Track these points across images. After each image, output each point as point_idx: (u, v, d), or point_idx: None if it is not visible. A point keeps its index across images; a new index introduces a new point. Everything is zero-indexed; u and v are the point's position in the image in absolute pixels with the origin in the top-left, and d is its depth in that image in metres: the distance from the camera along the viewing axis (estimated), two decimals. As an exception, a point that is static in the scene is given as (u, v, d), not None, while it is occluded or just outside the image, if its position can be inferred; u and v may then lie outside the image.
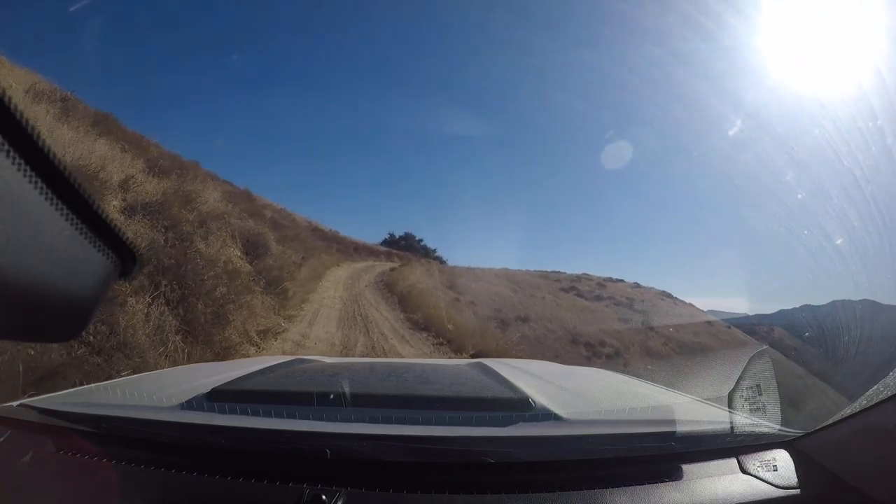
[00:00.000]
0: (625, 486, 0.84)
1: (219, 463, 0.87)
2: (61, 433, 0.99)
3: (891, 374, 0.86)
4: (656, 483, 0.85)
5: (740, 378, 1.10)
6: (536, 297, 18.90)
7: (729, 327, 19.47)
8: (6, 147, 0.44)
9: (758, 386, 1.09)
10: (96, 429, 0.99)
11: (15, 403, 1.07)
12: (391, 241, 40.16)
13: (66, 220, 0.52)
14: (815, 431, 0.95)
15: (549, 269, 25.15)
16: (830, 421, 0.92)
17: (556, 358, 10.09)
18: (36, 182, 0.47)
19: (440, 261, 31.12)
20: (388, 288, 14.96)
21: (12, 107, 0.44)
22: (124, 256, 0.62)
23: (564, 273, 24.51)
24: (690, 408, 1.21)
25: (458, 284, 17.45)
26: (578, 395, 1.36)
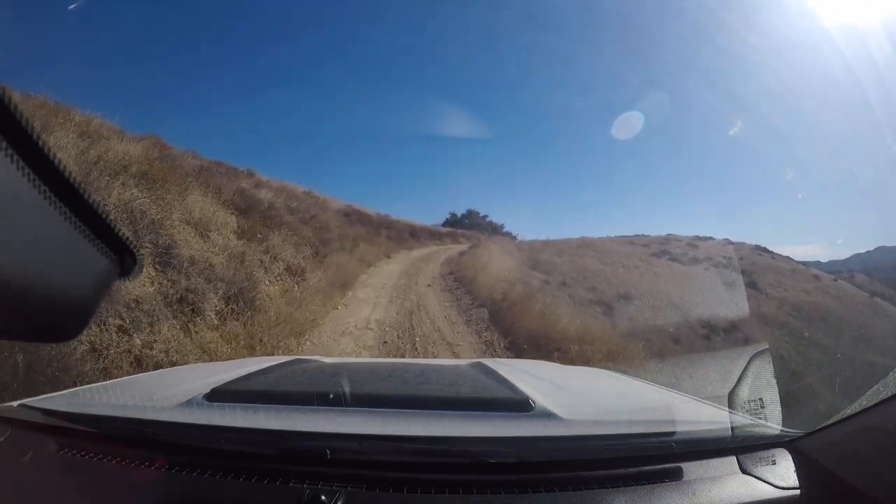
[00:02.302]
0: (625, 486, 0.84)
1: (219, 463, 0.87)
2: (62, 433, 1.00)
3: (891, 374, 0.85)
4: (656, 483, 0.86)
5: (740, 378, 1.07)
6: (630, 267, 17.25)
7: (835, 279, 17.07)
8: (6, 147, 0.44)
9: (758, 385, 1.05)
10: (96, 429, 0.99)
11: (15, 403, 1.08)
12: (454, 221, 35.37)
13: (66, 219, 0.52)
14: (815, 431, 0.94)
15: (630, 234, 23.18)
16: (830, 421, 0.91)
17: (677, 343, 7.90)
18: (36, 182, 0.47)
19: (511, 236, 27.63)
20: (464, 286, 9.13)
21: (12, 107, 0.44)
22: (124, 255, 0.62)
23: (649, 235, 22.42)
24: (690, 408, 1.20)
25: (541, 262, 16.18)
26: (578, 396, 1.36)
